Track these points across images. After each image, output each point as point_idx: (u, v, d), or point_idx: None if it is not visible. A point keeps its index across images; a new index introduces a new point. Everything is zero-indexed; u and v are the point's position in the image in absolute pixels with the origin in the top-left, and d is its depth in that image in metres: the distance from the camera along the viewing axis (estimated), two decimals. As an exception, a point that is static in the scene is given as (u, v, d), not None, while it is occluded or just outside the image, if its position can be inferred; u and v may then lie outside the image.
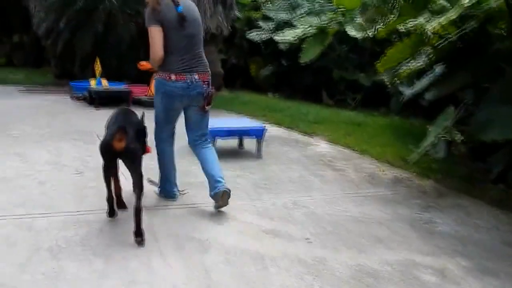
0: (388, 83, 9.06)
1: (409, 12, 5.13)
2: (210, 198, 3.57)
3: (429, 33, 5.11)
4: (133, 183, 3.11)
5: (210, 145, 3.79)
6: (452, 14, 3.41)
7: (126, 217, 3.35)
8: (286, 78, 13.25)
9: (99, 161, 3.68)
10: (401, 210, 3.75)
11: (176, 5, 3.39)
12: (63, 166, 4.59)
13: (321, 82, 11.95)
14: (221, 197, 3.52)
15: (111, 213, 3.41)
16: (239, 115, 8.33)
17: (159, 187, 3.89)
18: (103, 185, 3.57)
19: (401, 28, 7.02)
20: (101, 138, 3.26)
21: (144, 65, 3.81)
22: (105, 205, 3.46)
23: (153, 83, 8.88)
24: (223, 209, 3.60)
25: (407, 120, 8.93)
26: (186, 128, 3.76)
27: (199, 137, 3.72)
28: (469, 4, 3.33)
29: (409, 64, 5.42)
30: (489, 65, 4.54)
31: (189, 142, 3.79)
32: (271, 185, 4.23)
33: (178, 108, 3.62)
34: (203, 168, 3.68)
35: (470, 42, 4.76)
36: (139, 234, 2.99)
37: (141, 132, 3.49)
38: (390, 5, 4.89)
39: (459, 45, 4.79)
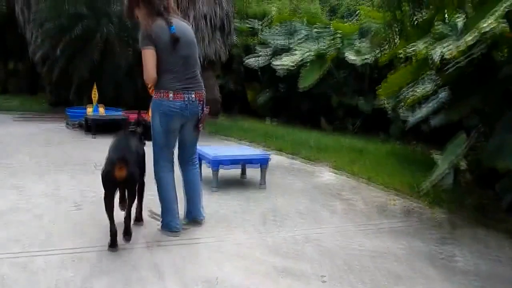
0: (389, 108, 9.02)
1: (414, 37, 5.06)
2: (192, 220, 3.77)
3: (435, 58, 5.04)
4: (129, 198, 3.36)
5: (198, 167, 3.90)
6: (470, 39, 3.32)
7: (127, 253, 3.17)
8: (283, 104, 13.19)
9: (98, 193, 3.58)
10: (417, 244, 3.58)
11: (169, 26, 3.37)
12: (61, 199, 4.40)
13: (319, 108, 11.88)
14: (199, 223, 3.76)
15: (113, 244, 3.26)
16: (240, 142, 8.20)
17: (161, 221, 3.71)
18: (102, 220, 3.46)
19: (400, 54, 6.98)
20: (101, 168, 3.28)
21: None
22: (105, 241, 3.31)
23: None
24: (231, 244, 3.45)
25: (408, 146, 8.83)
26: (179, 147, 3.74)
27: (190, 156, 3.77)
28: (487, 29, 3.25)
29: (416, 90, 5.31)
30: (499, 90, 4.44)
31: (179, 161, 3.78)
32: (279, 218, 4.05)
33: (177, 128, 3.56)
34: (189, 191, 3.76)
35: (479, 66, 4.66)
36: (128, 234, 3.31)
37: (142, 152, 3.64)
38: (396, 30, 4.83)
39: (467, 70, 4.70)
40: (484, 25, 3.27)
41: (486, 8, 3.70)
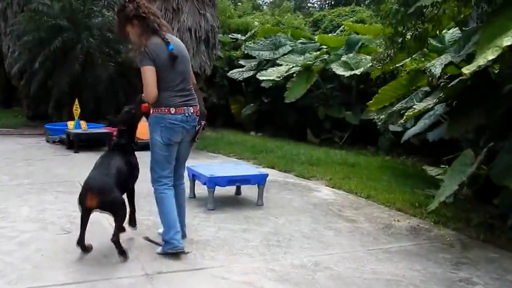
0: (379, 121, 8.93)
1: (415, 51, 4.97)
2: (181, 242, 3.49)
3: (436, 73, 4.95)
4: (114, 221, 3.33)
5: (184, 183, 3.81)
6: (493, 57, 3.20)
7: (126, 286, 2.92)
8: (268, 117, 13.02)
9: None
10: (432, 268, 3.39)
11: (167, 44, 3.34)
12: (47, 223, 4.10)
13: (305, 120, 11.74)
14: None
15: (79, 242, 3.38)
16: (228, 157, 7.97)
17: (162, 240, 3.47)
18: (94, 246, 3.42)
19: (391, 67, 6.90)
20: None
21: (147, 105, 3.55)
22: (99, 271, 3.14)
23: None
24: (236, 271, 3.22)
25: (397, 159, 8.73)
26: None
27: (181, 172, 3.71)
28: (509, 44, 3.13)
29: (415, 104, 5.20)
30: (503, 106, 4.33)
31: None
32: (283, 241, 3.82)
33: (177, 142, 3.48)
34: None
35: (480, 80, 4.56)
36: (122, 253, 3.29)
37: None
38: (398, 45, 4.72)
39: (469, 84, 4.59)
40: (509, 43, 3.14)
41: (496, 24, 3.58)
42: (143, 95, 3.41)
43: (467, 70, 3.30)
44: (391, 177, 6.56)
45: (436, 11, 4.47)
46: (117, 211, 3.31)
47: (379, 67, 5.55)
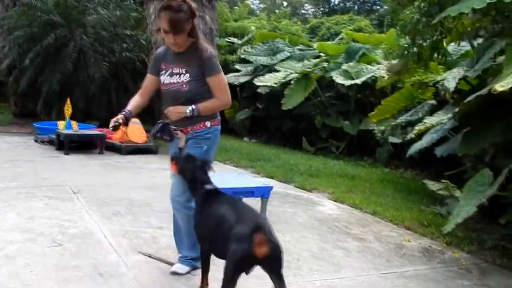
0: (379, 133, 8.77)
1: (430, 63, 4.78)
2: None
3: (451, 87, 4.76)
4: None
5: None
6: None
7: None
8: (262, 123, 12.80)
9: (79, 226, 3.10)
10: (452, 296, 3.18)
11: None
12: (36, 234, 3.79)
13: (301, 128, 11.54)
14: None
15: None
16: (225, 165, 7.71)
17: (193, 259, 3.22)
18: (88, 263, 3.17)
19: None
20: (234, 247, 2.38)
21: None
22: None
23: (130, 127, 8.15)
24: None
25: (397, 171, 8.55)
26: None
27: None
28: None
29: (427, 119, 5.01)
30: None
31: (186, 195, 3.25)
32: (292, 262, 3.56)
33: None
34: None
35: (498, 97, 4.37)
36: None
37: None
38: (416, 55, 4.53)
39: (485, 100, 4.40)
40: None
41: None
42: (195, 107, 3.05)
43: (501, 87, 3.09)
44: (394, 192, 6.36)
45: (455, 23, 4.28)
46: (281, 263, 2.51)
47: (390, 78, 5.34)
